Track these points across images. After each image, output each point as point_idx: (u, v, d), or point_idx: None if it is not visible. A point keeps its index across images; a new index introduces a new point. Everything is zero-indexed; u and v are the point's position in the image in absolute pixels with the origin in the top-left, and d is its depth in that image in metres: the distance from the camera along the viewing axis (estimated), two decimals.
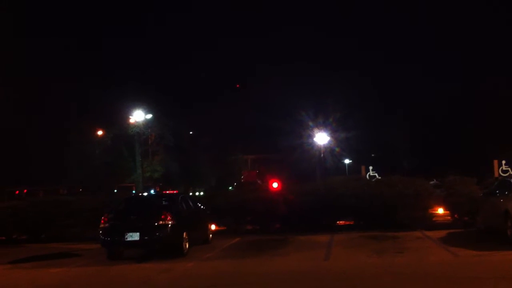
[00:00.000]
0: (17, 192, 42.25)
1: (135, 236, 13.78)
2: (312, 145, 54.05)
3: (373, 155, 62.62)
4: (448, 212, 20.01)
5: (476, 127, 45.29)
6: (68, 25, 66.12)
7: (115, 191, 46.41)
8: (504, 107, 42.43)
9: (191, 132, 58.47)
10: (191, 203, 16.66)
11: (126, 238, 13.81)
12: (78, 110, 46.69)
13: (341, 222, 19.93)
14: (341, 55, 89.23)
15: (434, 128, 49.75)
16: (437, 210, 20.79)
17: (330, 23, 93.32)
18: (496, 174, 26.51)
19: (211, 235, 17.29)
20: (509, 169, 27.68)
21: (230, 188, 50.36)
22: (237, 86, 70.24)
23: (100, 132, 51.55)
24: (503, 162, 28.22)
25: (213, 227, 18.21)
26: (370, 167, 36.45)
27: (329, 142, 55.04)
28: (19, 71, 39.39)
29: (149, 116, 48.20)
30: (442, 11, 72.03)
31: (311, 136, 53.67)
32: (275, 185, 24.27)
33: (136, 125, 47.33)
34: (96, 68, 54.64)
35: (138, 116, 47.27)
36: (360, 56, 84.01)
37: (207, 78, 68.01)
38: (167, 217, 14.01)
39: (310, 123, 53.62)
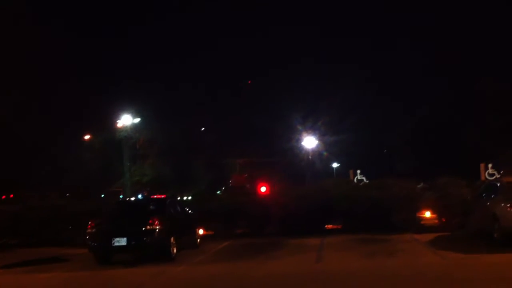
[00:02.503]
0: (3, 197, 41.91)
1: (122, 241, 13.71)
2: (300, 149, 54.17)
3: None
4: (435, 215, 20.09)
5: (467, 129, 45.52)
6: (65, 24, 65.70)
7: (103, 195, 46.16)
8: (493, 109, 42.72)
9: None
10: (179, 208, 16.63)
11: (114, 243, 13.73)
12: (68, 113, 46.28)
13: (331, 226, 19.97)
14: (335, 56, 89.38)
15: (427, 131, 49.96)
16: (424, 214, 20.87)
17: (327, 24, 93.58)
18: (482, 178, 26.73)
19: (199, 240, 17.24)
20: (495, 172, 27.91)
21: (218, 192, 50.26)
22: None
23: (87, 137, 51.19)
24: (489, 165, 28.45)
25: (201, 231, 18.15)
26: (358, 171, 36.62)
27: (317, 146, 55.18)
28: (7, 73, 38.97)
29: (137, 120, 48.01)
30: (442, 11, 72.42)
31: (299, 140, 53.79)
32: (263, 189, 24.27)
33: (123, 129, 47.12)
34: (89, 70, 54.17)
35: (126, 120, 47.09)
36: (355, 56, 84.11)
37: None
38: (154, 221, 13.95)
39: (299, 127, 53.77)
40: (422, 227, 18.90)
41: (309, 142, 53.27)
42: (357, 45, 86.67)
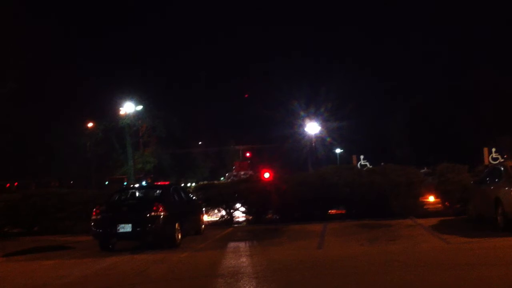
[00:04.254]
0: (7, 185, 42.01)
1: (127, 228, 13.78)
2: (303, 135, 54.17)
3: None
4: (439, 200, 20.15)
5: (467, 115, 45.52)
6: (65, 14, 65.67)
7: (106, 183, 46.32)
8: (495, 96, 42.66)
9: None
10: (183, 194, 16.68)
11: (119, 230, 13.80)
12: (69, 101, 46.32)
13: (334, 211, 20.04)
14: (334, 47, 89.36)
15: (427, 117, 49.94)
16: (428, 198, 20.93)
17: (329, 14, 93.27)
18: (486, 162, 26.67)
19: (203, 226, 17.33)
20: (499, 156, 27.84)
21: (222, 178, 50.40)
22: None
23: (90, 124, 51.26)
24: (493, 149, 28.37)
25: (205, 217, 18.24)
26: (361, 156, 36.53)
27: (320, 132, 55.16)
28: (7, 60, 38.93)
29: (140, 107, 48.00)
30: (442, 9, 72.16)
31: (302, 126, 53.78)
32: (266, 175, 24.29)
33: (126, 117, 47.15)
34: (89, 59, 54.20)
35: (129, 107, 47.10)
36: (354, 46, 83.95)
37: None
38: (159, 208, 14.01)
39: (302, 113, 53.75)
40: (426, 211, 18.97)
41: (312, 128, 53.21)
42: (349, 36, 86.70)
